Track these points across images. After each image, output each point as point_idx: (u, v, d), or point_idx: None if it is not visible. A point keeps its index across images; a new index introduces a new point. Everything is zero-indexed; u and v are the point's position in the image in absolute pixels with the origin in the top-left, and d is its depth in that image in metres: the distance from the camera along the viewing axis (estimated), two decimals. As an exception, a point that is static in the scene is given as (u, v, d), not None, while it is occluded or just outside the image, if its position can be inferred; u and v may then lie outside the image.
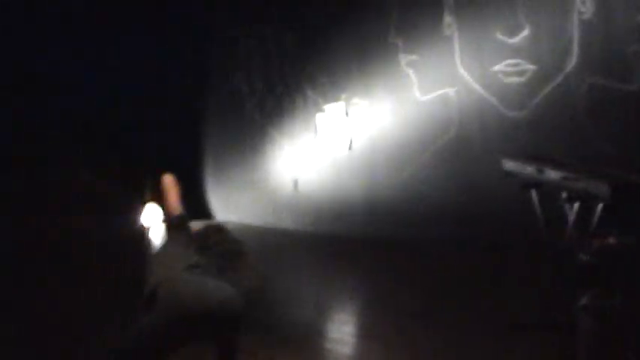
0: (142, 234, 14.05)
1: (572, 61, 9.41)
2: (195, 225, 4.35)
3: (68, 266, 11.34)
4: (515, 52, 10.11)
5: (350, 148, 12.54)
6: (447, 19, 10.91)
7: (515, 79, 10.12)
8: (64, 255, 12.01)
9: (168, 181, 4.72)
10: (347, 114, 12.62)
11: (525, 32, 9.92)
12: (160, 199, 4.64)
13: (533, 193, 6.23)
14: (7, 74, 15.04)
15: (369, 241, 11.76)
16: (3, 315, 7.60)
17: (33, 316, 7.60)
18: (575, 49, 9.36)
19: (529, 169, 6.14)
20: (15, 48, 15.11)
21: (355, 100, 12.46)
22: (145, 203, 14.88)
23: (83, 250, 12.64)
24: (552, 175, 5.76)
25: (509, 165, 6.49)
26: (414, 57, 11.44)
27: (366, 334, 6.71)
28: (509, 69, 10.16)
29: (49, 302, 8.45)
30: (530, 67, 9.95)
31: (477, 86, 10.60)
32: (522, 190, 6.36)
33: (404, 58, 11.57)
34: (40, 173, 15.00)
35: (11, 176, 14.32)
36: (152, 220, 14.81)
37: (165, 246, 4.52)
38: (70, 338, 6.70)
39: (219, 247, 4.40)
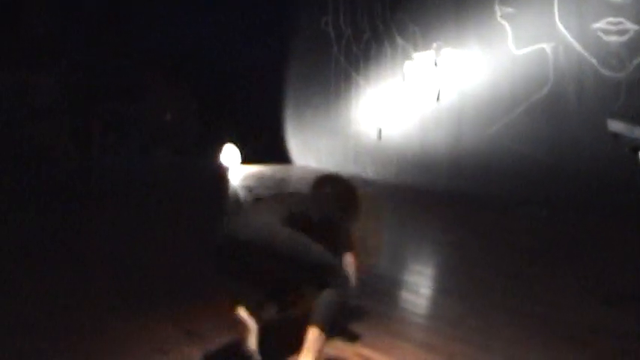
0: (221, 173, 14.14)
1: (679, 23, 9.13)
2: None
3: (147, 200, 11.46)
4: (618, 10, 9.80)
5: (438, 99, 12.33)
6: (549, -29, 10.62)
7: (615, 39, 9.83)
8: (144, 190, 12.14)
9: None
10: (436, 64, 12.39)
11: (630, -10, 9.63)
12: None
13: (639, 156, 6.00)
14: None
15: (452, 196, 11.61)
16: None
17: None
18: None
19: (637, 131, 5.90)
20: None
21: (446, 50, 12.22)
22: (225, 144, 14.98)
23: (163, 186, 12.77)
24: (665, 138, 5.54)
25: (616, 126, 6.24)
26: (510, 9, 11.15)
27: (446, 288, 6.60)
28: (610, 27, 9.86)
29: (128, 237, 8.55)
30: (633, 26, 9.66)
31: (574, 43, 10.31)
32: (628, 152, 6.13)
33: (500, 10, 11.28)
34: (123, 109, 15.14)
35: (96, 110, 14.50)
36: (232, 160, 14.91)
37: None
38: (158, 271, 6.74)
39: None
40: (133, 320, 5.29)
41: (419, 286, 6.26)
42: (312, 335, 3.81)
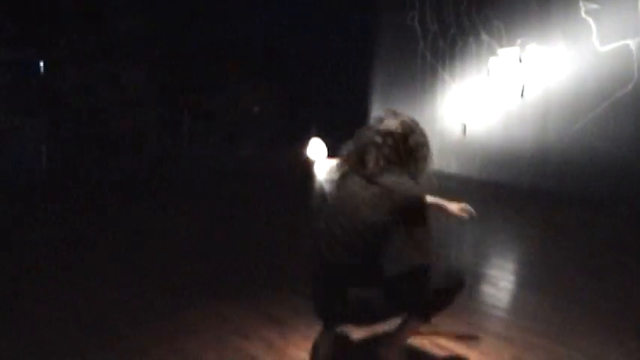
0: (307, 167, 14.38)
1: None
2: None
3: (233, 191, 11.79)
4: None
5: (522, 95, 12.36)
6: (634, -32, 10.54)
7: (702, 34, 9.74)
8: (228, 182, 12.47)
9: None
10: (521, 60, 12.41)
11: None
12: None
13: None
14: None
15: (536, 193, 11.65)
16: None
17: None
18: None
19: None
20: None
21: (531, 46, 12.22)
22: (311, 137, 15.21)
23: (248, 178, 13.09)
24: None
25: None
26: (594, 5, 11.09)
27: (526, 282, 6.74)
28: (698, 23, 9.78)
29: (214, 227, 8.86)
30: None
31: (660, 39, 10.25)
32: None
33: (584, 6, 11.23)
34: (208, 101, 15.50)
35: (180, 104, 14.89)
36: (318, 154, 15.13)
37: None
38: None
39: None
40: (214, 306, 5.62)
41: (499, 280, 6.44)
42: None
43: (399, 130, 4.04)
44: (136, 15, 16.65)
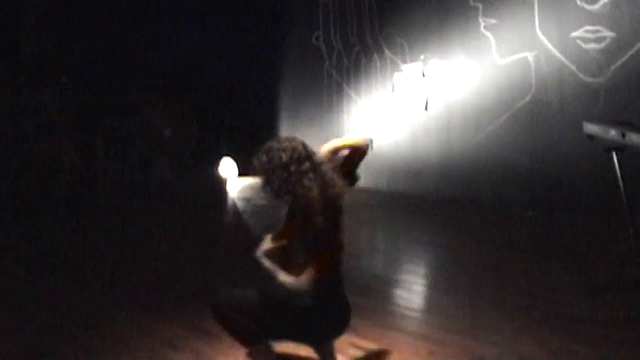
0: (220, 185, 14.53)
1: (653, 30, 9.53)
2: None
3: (149, 210, 11.83)
4: (595, 18, 10.22)
5: (426, 108, 12.73)
6: (528, -16, 11.04)
7: (593, 46, 10.23)
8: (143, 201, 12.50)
9: None
10: (424, 75, 12.79)
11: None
12: None
13: (614, 157, 6.38)
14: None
15: (442, 201, 12.02)
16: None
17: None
18: (656, 17, 9.48)
19: (611, 133, 6.26)
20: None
21: (433, 61, 12.63)
22: (222, 157, 15.35)
23: (163, 196, 13.14)
24: (635, 139, 5.90)
25: (591, 128, 6.62)
26: (493, 20, 11.57)
27: (437, 284, 7.01)
28: (589, 35, 10.26)
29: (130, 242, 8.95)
30: (609, 34, 10.05)
31: (555, 51, 10.72)
32: (604, 153, 6.51)
33: (483, 22, 11.71)
34: (124, 124, 15.49)
35: (99, 126, 14.86)
36: (229, 172, 15.28)
37: None
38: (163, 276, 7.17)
39: None
40: (141, 319, 5.71)
41: (411, 284, 6.65)
42: None
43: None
44: (49, 40, 16.53)
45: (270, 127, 16.62)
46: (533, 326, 5.39)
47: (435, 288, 6.79)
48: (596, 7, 10.17)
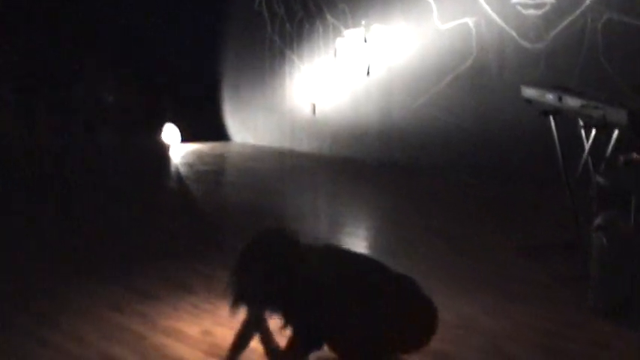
0: (163, 151, 14.45)
1: (591, -4, 9.64)
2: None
3: (93, 177, 11.73)
4: (535, -16, 10.30)
5: (368, 73, 12.76)
6: (469, -52, 11.08)
7: (533, 12, 10.31)
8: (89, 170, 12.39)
9: None
10: (366, 40, 12.81)
11: (545, -35, 10.14)
12: None
13: (551, 121, 6.49)
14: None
15: (384, 166, 12.10)
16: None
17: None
18: (595, -17, 9.58)
19: (548, 97, 6.36)
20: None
21: (375, 27, 12.64)
22: (165, 123, 15.25)
23: (107, 163, 13.03)
24: (571, 102, 6.00)
25: (529, 92, 6.72)
26: (434, -14, 11.62)
27: (376, 247, 7.11)
28: (528, 1, 10.34)
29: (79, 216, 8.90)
30: (549, 0, 10.13)
31: (495, 17, 10.79)
32: (541, 117, 6.61)
33: (426, -14, 11.74)
34: (66, 91, 15.29)
35: (39, 94, 14.65)
36: (172, 138, 15.19)
37: None
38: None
39: None
40: (87, 283, 5.72)
41: (350, 246, 6.70)
42: None
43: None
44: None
45: (212, 94, 16.55)
46: (470, 287, 5.50)
47: (374, 250, 6.87)
48: (535, -27, 10.25)
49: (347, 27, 13.28)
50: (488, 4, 10.83)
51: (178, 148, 14.76)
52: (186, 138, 15.27)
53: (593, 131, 6.04)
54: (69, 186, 10.85)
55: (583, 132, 6.21)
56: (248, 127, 15.92)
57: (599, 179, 5.21)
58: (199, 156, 13.91)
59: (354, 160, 12.73)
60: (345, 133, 13.30)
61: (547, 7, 10.14)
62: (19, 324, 4.81)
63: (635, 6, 9.12)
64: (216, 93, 16.61)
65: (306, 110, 14.09)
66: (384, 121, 12.52)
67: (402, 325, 3.67)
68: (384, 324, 3.60)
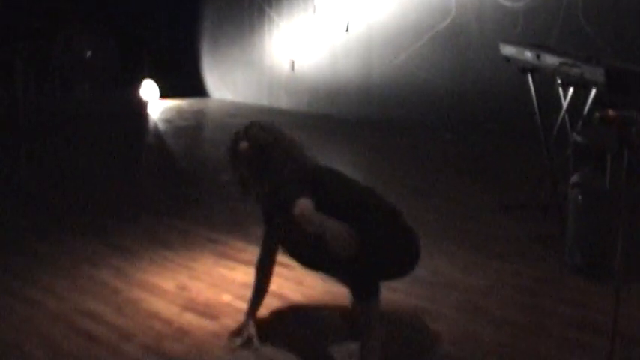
0: (141, 107, 14.37)
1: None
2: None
3: (73, 133, 11.68)
4: (515, -59, 10.27)
5: (347, 30, 12.69)
6: None
7: (512, -31, 10.29)
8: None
9: None
10: (345, -3, 12.73)
11: None
12: None
13: (530, 78, 6.49)
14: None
15: (363, 123, 12.09)
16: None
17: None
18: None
19: (527, 54, 6.37)
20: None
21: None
22: (143, 79, 15.14)
23: (87, 119, 12.96)
24: (549, 60, 6.01)
25: (507, 50, 6.72)
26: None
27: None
28: (508, -41, 10.32)
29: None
30: (529, -43, 10.11)
31: (475, -25, 10.77)
32: (519, 74, 6.62)
33: (406, -57, 11.67)
34: (44, 46, 15.13)
35: (15, 48, 14.48)
36: (151, 94, 15.09)
37: None
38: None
39: None
40: (63, 238, 5.73)
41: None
42: None
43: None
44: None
45: (191, 50, 16.42)
46: (447, 243, 5.54)
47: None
48: None
49: (326, -17, 13.19)
50: (468, -39, 10.80)
51: (157, 104, 14.68)
52: (164, 94, 15.16)
53: (571, 89, 6.07)
54: (46, 142, 10.79)
55: (561, 90, 6.22)
56: (227, 83, 15.83)
57: (576, 137, 5.23)
58: (178, 112, 13.85)
59: (333, 117, 12.71)
60: (323, 89, 13.27)
61: (527, -35, 10.12)
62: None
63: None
64: (195, 48, 16.49)
65: (285, 67, 14.02)
66: (363, 78, 12.50)
67: (393, 242, 3.74)
68: (377, 232, 3.67)
